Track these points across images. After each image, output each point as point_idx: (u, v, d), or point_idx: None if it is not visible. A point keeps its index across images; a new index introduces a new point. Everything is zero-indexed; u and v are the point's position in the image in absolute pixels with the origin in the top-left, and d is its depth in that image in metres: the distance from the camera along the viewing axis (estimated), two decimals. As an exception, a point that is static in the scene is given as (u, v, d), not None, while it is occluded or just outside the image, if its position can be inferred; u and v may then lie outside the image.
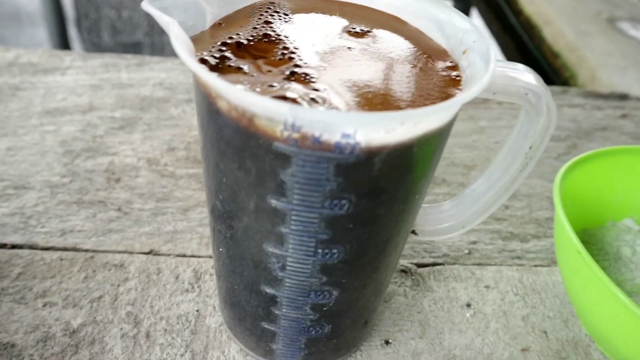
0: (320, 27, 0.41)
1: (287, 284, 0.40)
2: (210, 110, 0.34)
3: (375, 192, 0.34)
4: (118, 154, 0.70)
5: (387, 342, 0.52)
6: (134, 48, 1.62)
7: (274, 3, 0.43)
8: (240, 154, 0.33)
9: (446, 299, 0.57)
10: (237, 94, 0.29)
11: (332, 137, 0.30)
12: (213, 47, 0.37)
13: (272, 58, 0.37)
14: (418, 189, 0.37)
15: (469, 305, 0.56)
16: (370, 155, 0.31)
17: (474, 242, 0.64)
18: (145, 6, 0.35)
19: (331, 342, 0.46)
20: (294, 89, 0.33)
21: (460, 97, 0.31)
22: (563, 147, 0.81)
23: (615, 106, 0.93)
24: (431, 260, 0.61)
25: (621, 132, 0.86)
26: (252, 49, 0.37)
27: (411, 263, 0.60)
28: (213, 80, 0.29)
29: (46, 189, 0.64)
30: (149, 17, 1.33)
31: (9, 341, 0.48)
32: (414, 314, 0.55)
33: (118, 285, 0.54)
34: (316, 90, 0.34)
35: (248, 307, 0.44)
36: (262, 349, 0.47)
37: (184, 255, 0.58)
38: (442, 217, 0.48)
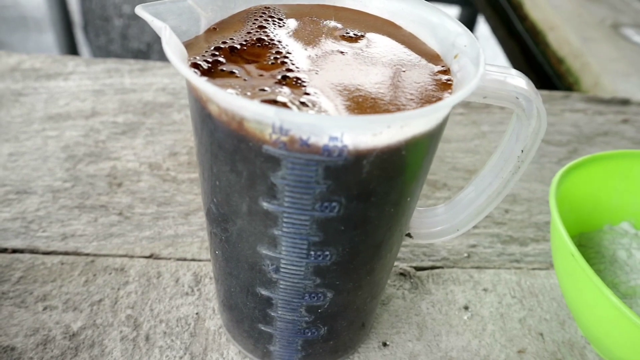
0: (314, 32, 0.42)
1: (281, 286, 0.40)
2: (202, 114, 0.34)
3: (366, 195, 0.34)
4: (120, 158, 0.71)
5: (384, 344, 0.52)
6: (143, 54, 1.62)
7: (268, 8, 0.43)
8: (231, 157, 0.34)
9: (444, 302, 0.57)
10: (226, 98, 0.29)
11: (320, 140, 0.30)
12: (206, 51, 0.37)
13: (265, 62, 0.37)
14: (409, 191, 0.38)
15: (466, 308, 0.57)
16: (358, 158, 0.32)
17: (474, 246, 0.64)
18: (139, 11, 0.35)
19: (328, 343, 0.47)
20: (285, 93, 0.34)
21: (446, 101, 0.31)
22: (564, 152, 0.82)
23: (616, 111, 0.93)
24: (430, 264, 0.61)
25: (622, 136, 0.87)
26: (245, 54, 0.38)
27: (410, 266, 0.60)
28: (202, 85, 0.30)
29: (48, 194, 0.64)
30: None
31: (8, 344, 0.49)
32: (412, 317, 0.55)
33: (118, 289, 0.55)
34: (307, 94, 0.34)
35: (245, 310, 0.44)
36: (260, 351, 0.48)
37: (185, 259, 0.59)
38: (436, 220, 0.48)
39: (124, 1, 1.61)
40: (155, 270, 0.57)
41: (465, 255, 0.63)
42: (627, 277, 0.54)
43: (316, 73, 0.36)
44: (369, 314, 0.48)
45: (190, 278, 0.56)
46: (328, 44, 0.40)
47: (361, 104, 0.34)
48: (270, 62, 0.37)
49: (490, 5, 1.64)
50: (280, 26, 0.41)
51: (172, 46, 0.33)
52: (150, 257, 0.58)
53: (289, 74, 0.36)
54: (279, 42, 0.39)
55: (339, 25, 0.43)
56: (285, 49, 0.39)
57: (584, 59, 1.15)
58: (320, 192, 0.33)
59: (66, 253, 0.58)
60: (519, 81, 0.39)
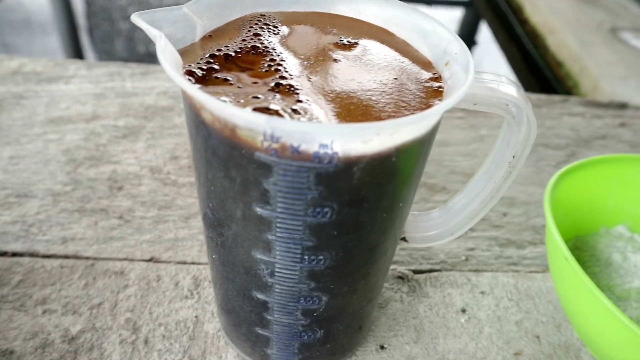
0: (309, 39, 0.42)
1: (277, 290, 0.40)
2: (197, 121, 0.35)
3: (357, 201, 0.35)
4: (121, 162, 0.71)
5: (382, 347, 0.53)
6: (150, 58, 1.62)
7: (264, 15, 0.44)
8: (225, 164, 0.34)
9: (441, 305, 0.57)
10: (217, 106, 0.30)
11: (311, 147, 0.31)
12: (201, 59, 0.37)
13: (259, 70, 0.37)
14: (401, 197, 0.38)
15: (464, 311, 0.57)
16: (349, 165, 0.32)
17: (471, 249, 0.64)
18: (135, 19, 0.35)
19: (325, 347, 0.47)
20: (278, 101, 0.34)
21: (435, 109, 0.32)
22: (562, 155, 0.82)
23: (614, 115, 0.93)
24: (428, 267, 0.62)
25: (619, 140, 0.87)
26: (240, 61, 0.38)
27: (408, 269, 0.61)
28: (195, 92, 0.30)
29: (48, 197, 0.65)
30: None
31: (7, 348, 0.49)
32: (410, 320, 0.56)
33: (118, 292, 0.55)
34: (299, 101, 0.34)
35: (242, 313, 0.45)
36: (258, 354, 0.48)
37: (184, 263, 0.59)
38: (431, 224, 0.48)
39: (130, 4, 1.60)
40: (155, 273, 0.57)
41: (463, 258, 0.63)
42: (622, 280, 0.55)
43: (309, 80, 0.37)
44: (366, 317, 0.49)
45: (190, 281, 0.57)
46: (322, 52, 0.41)
47: (353, 111, 0.34)
48: (264, 70, 0.37)
49: (492, 9, 1.64)
50: (275, 34, 0.42)
51: (167, 54, 0.33)
52: (150, 260, 0.59)
53: (282, 82, 0.36)
54: (274, 49, 0.40)
55: (333, 33, 0.43)
56: (280, 57, 0.39)
57: (582, 63, 1.16)
58: (312, 198, 0.33)
59: (66, 256, 0.58)
60: (509, 88, 0.39)
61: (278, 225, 0.35)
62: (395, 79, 0.38)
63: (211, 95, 0.31)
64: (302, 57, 0.39)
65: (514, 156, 0.43)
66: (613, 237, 0.60)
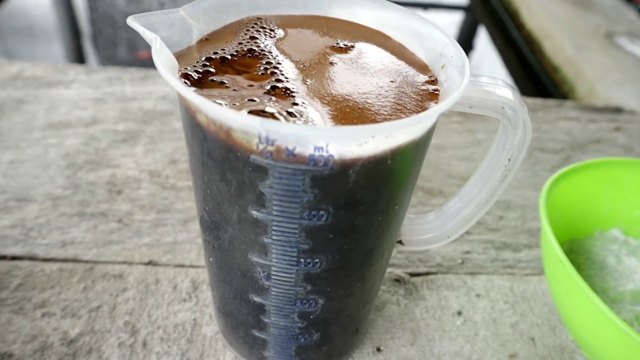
0: (305, 43, 0.42)
1: (273, 293, 0.40)
2: (192, 124, 0.35)
3: (353, 204, 0.35)
4: (120, 166, 0.71)
5: (378, 349, 0.53)
6: (152, 63, 1.62)
7: (260, 19, 0.44)
8: (221, 166, 0.34)
9: (438, 307, 0.58)
10: (212, 108, 0.30)
11: (306, 150, 0.31)
12: (197, 62, 0.37)
13: (255, 73, 0.37)
14: (397, 200, 0.38)
15: (459, 313, 0.57)
16: (344, 168, 0.32)
17: (468, 252, 0.64)
18: (131, 22, 0.35)
19: (322, 349, 0.47)
20: (273, 104, 0.34)
21: (430, 111, 0.32)
22: (557, 159, 0.82)
23: (609, 119, 0.94)
24: (425, 270, 0.62)
25: (614, 144, 0.87)
26: (236, 64, 0.38)
27: (405, 272, 0.61)
28: (190, 95, 0.30)
29: (48, 201, 0.65)
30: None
31: (6, 351, 0.49)
32: (406, 322, 0.56)
33: (117, 295, 0.55)
34: (295, 104, 0.34)
35: (239, 316, 0.45)
36: (255, 357, 0.48)
37: (183, 266, 0.59)
38: (427, 227, 0.48)
39: (133, 11, 1.60)
40: (154, 276, 0.57)
41: (460, 261, 0.63)
42: (616, 283, 0.55)
43: (305, 83, 0.37)
44: (362, 319, 0.49)
45: (188, 284, 0.57)
46: (318, 55, 0.41)
47: (348, 114, 0.34)
48: (260, 73, 0.37)
49: (489, 14, 1.65)
50: (271, 37, 0.42)
51: (162, 57, 0.34)
52: (149, 263, 0.59)
53: (278, 85, 0.36)
54: (270, 52, 0.40)
55: (330, 36, 0.43)
56: (276, 60, 0.39)
57: (578, 68, 1.16)
58: (307, 201, 0.34)
59: (65, 260, 0.58)
60: (505, 91, 0.39)
61: (274, 228, 0.35)
62: (392, 82, 0.38)
63: (206, 98, 0.31)
64: (298, 60, 0.40)
65: (509, 159, 0.43)
66: (608, 240, 0.60)
